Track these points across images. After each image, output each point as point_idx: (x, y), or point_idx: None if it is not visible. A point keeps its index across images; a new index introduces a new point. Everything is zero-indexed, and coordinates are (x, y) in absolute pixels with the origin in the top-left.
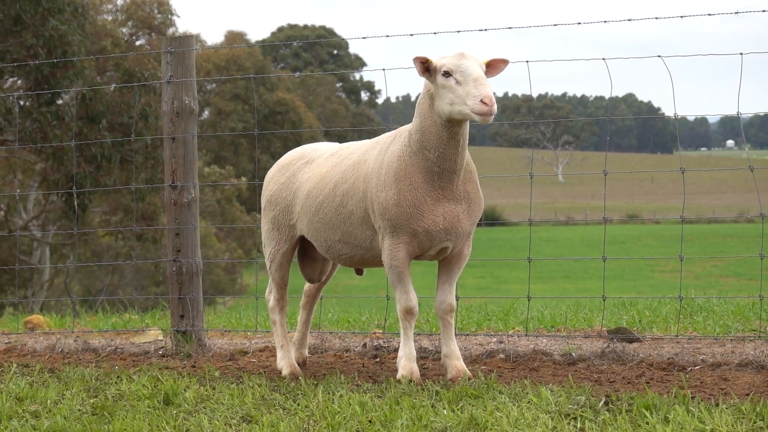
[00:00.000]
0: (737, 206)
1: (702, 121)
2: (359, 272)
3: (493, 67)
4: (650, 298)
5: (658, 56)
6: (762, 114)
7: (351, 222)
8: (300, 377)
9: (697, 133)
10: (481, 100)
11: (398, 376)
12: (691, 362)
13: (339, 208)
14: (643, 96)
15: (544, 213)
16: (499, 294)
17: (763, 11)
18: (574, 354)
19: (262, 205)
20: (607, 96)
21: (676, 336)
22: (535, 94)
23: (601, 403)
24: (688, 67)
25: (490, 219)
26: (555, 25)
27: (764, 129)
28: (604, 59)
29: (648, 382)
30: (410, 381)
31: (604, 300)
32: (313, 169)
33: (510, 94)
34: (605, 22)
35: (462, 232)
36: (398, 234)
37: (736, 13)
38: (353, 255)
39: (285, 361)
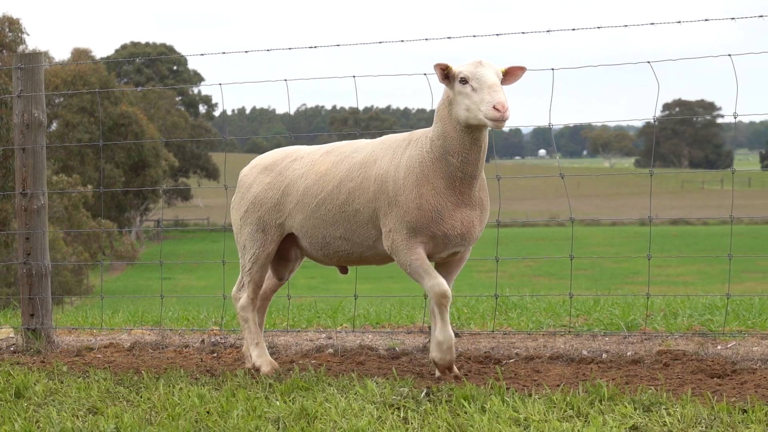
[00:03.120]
0: (549, 211)
1: (516, 131)
2: (344, 270)
3: (511, 74)
4: (468, 296)
5: None
6: (571, 125)
7: (356, 220)
8: (278, 371)
9: (511, 143)
10: (494, 107)
11: (432, 358)
12: (506, 355)
13: (343, 205)
14: None
15: None
16: (328, 293)
17: (573, 29)
18: (397, 348)
19: (242, 209)
20: (428, 108)
21: (493, 331)
22: (361, 107)
23: (423, 394)
24: None
25: None
26: (380, 42)
27: (573, 139)
28: (425, 74)
29: (466, 374)
30: (449, 369)
31: (425, 298)
32: (306, 165)
33: (338, 107)
34: (426, 39)
35: (474, 238)
36: (416, 235)
37: (547, 31)
38: (352, 252)
39: (263, 359)
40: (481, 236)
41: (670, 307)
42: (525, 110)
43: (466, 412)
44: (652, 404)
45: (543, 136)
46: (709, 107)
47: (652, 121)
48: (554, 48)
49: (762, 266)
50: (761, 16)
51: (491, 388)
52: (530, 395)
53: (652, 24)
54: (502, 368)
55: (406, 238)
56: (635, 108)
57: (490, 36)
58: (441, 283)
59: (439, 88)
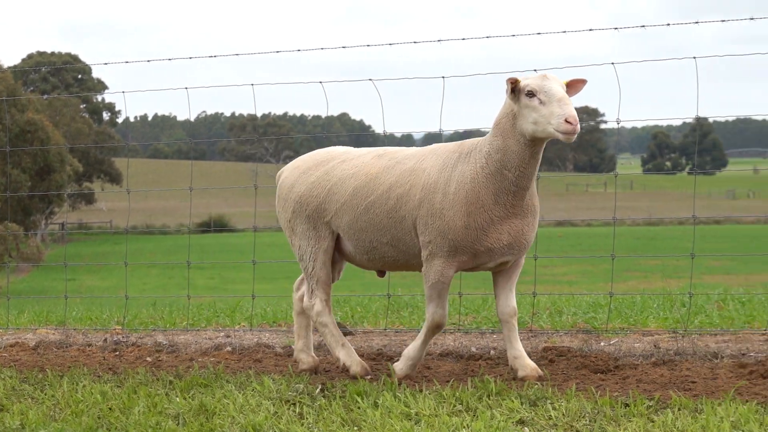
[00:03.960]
0: None
1: (408, 137)
2: (381, 275)
3: (573, 87)
4: (362, 295)
5: (370, 79)
6: (461, 131)
7: (402, 227)
8: (370, 374)
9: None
10: (566, 120)
11: (400, 375)
12: (398, 352)
13: (391, 211)
14: (355, 115)
15: (267, 220)
16: (226, 293)
17: (463, 39)
18: (293, 346)
19: (289, 211)
20: (323, 115)
21: (385, 329)
22: (259, 114)
23: (318, 390)
24: (396, 89)
25: (219, 226)
26: (278, 51)
27: None
28: (321, 82)
29: None
30: (403, 379)
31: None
32: (356, 166)
33: (237, 114)
34: (322, 48)
35: (526, 245)
36: (455, 255)
37: (438, 41)
38: (398, 259)
39: (352, 359)
40: None
41: (555, 306)
42: (416, 117)
43: (359, 407)
44: (538, 399)
45: (434, 141)
46: (593, 113)
47: None
48: (445, 57)
49: (643, 266)
50: (643, 26)
51: (383, 384)
52: (421, 391)
53: (539, 34)
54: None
55: (446, 255)
56: None
57: (383, 45)
58: (445, 315)
59: (336, 96)
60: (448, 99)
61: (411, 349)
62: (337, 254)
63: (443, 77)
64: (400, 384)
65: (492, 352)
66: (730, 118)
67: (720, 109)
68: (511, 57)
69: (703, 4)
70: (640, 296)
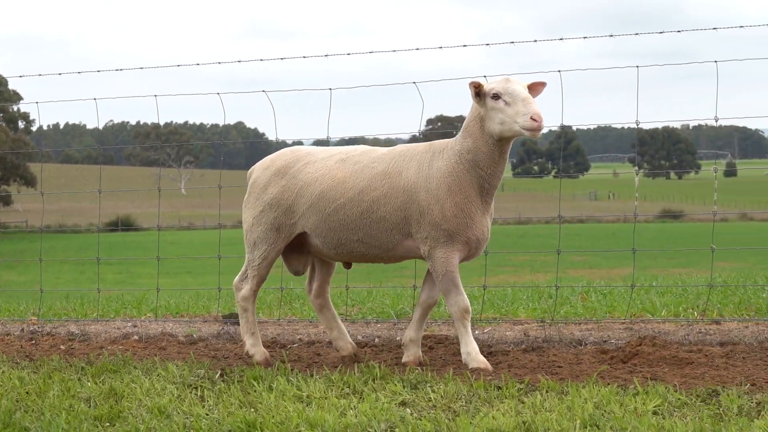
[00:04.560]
0: None
1: (298, 143)
2: (348, 266)
3: (533, 89)
4: None
5: (263, 91)
6: (347, 138)
7: (380, 227)
8: (271, 364)
9: None
10: (531, 117)
11: (471, 367)
12: (291, 341)
13: (366, 212)
14: (251, 123)
15: (170, 220)
16: (133, 287)
17: (348, 54)
18: (195, 335)
19: (257, 209)
20: (221, 123)
21: (278, 319)
22: (162, 122)
23: (218, 375)
24: (287, 100)
25: (126, 225)
26: (179, 65)
27: None
28: (218, 93)
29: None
30: (482, 371)
31: (219, 291)
32: (320, 170)
33: (141, 122)
34: (220, 63)
35: (487, 243)
36: (453, 243)
37: (325, 56)
38: (367, 253)
39: (257, 348)
40: None
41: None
42: (305, 125)
43: (255, 391)
44: (419, 382)
45: (322, 146)
46: None
47: (417, 134)
48: (333, 70)
49: (514, 261)
50: (512, 42)
51: (278, 369)
52: (312, 375)
53: (417, 49)
54: (287, 352)
55: (444, 244)
56: (404, 122)
57: (276, 60)
58: (465, 299)
59: (233, 106)
60: (335, 108)
61: (463, 346)
62: (325, 249)
63: (330, 89)
64: (292, 369)
65: (377, 340)
66: (592, 127)
67: (583, 118)
68: (393, 70)
69: (568, 22)
70: (511, 289)
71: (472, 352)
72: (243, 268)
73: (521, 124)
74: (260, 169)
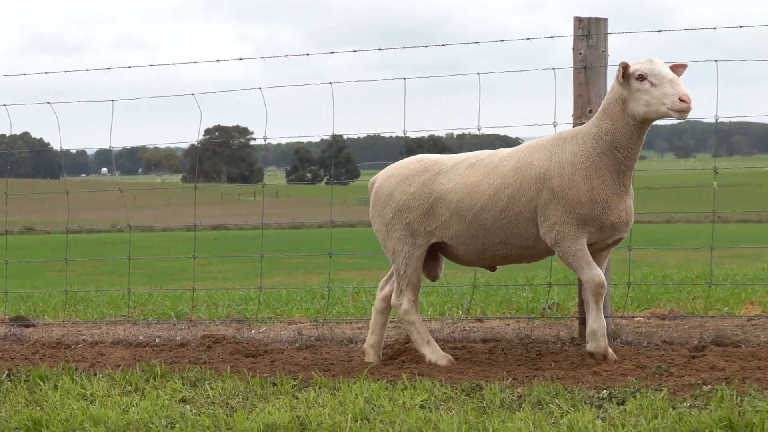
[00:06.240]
0: (110, 219)
1: (82, 152)
2: (493, 269)
3: (675, 71)
4: (43, 291)
5: (48, 103)
6: (129, 147)
7: (517, 223)
8: (455, 365)
9: (78, 162)
10: (680, 98)
11: (588, 350)
12: (75, 341)
13: (504, 211)
14: (36, 134)
15: None
16: None
17: (130, 67)
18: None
19: (387, 216)
20: (7, 134)
21: (63, 321)
22: None
23: (5, 374)
24: (72, 111)
25: None
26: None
27: (131, 159)
28: (5, 105)
29: (41, 358)
30: (604, 357)
31: (6, 294)
32: (453, 180)
33: None
34: (6, 75)
35: (631, 223)
36: (584, 226)
37: (108, 68)
38: (510, 254)
39: (437, 354)
40: (53, 241)
41: (212, 299)
42: (92, 134)
43: (41, 390)
44: (198, 380)
45: (105, 156)
46: (244, 131)
47: (195, 143)
48: (115, 82)
49: (288, 264)
50: (286, 56)
51: (62, 369)
52: (95, 374)
53: (196, 62)
54: (72, 352)
55: (575, 228)
56: (183, 132)
57: (60, 72)
58: (599, 274)
59: (19, 117)
60: (118, 119)
61: (591, 323)
62: (439, 254)
63: (113, 101)
64: (76, 369)
65: (157, 340)
66: (362, 135)
67: (353, 128)
68: (173, 83)
69: (339, 37)
70: (285, 290)
71: (598, 331)
72: (395, 285)
73: (669, 105)
74: (383, 177)
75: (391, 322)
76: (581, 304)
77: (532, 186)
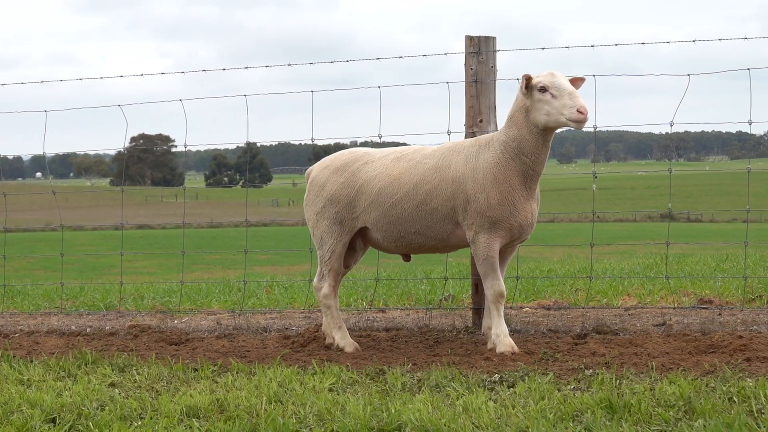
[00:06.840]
0: (45, 219)
1: (18, 158)
2: (407, 258)
3: (574, 83)
4: None
5: None
6: (62, 153)
7: (433, 217)
8: (360, 352)
9: (14, 167)
10: (578, 110)
11: (499, 351)
12: (13, 331)
13: (421, 205)
14: None
15: None
16: None
17: (61, 80)
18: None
19: (318, 205)
20: None
21: (2, 313)
22: None
23: None
24: (5, 122)
25: None
26: None
27: (63, 164)
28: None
29: None
30: (512, 353)
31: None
32: (378, 169)
33: None
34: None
35: (535, 225)
36: (496, 230)
37: (41, 81)
38: (424, 244)
39: (346, 341)
40: None
41: (138, 292)
42: (28, 142)
43: None
44: (126, 366)
45: (39, 161)
46: (166, 139)
47: (122, 150)
48: (49, 95)
49: (208, 260)
50: (204, 71)
51: (1, 356)
52: (32, 361)
53: (122, 76)
54: (9, 341)
55: (488, 231)
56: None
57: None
58: (501, 284)
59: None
60: (50, 127)
61: (494, 327)
62: (361, 242)
63: (46, 111)
64: (14, 356)
65: (88, 329)
66: (274, 143)
67: (266, 136)
68: (101, 95)
69: (252, 53)
70: (205, 283)
71: (501, 335)
72: (318, 269)
73: (567, 116)
74: (319, 168)
75: (301, 312)
76: (474, 296)
77: (448, 187)
